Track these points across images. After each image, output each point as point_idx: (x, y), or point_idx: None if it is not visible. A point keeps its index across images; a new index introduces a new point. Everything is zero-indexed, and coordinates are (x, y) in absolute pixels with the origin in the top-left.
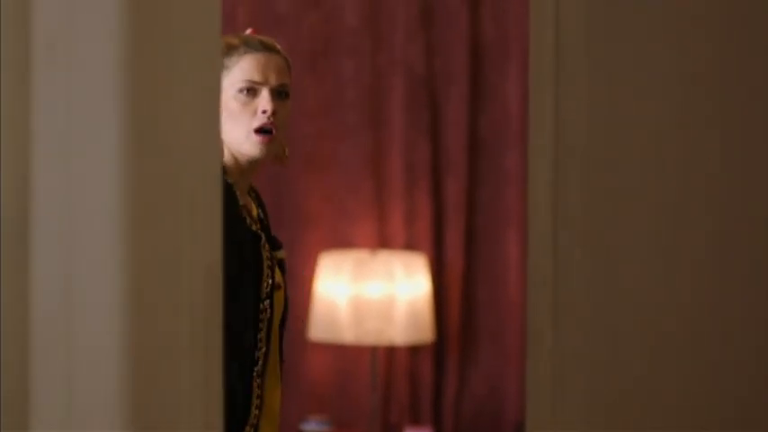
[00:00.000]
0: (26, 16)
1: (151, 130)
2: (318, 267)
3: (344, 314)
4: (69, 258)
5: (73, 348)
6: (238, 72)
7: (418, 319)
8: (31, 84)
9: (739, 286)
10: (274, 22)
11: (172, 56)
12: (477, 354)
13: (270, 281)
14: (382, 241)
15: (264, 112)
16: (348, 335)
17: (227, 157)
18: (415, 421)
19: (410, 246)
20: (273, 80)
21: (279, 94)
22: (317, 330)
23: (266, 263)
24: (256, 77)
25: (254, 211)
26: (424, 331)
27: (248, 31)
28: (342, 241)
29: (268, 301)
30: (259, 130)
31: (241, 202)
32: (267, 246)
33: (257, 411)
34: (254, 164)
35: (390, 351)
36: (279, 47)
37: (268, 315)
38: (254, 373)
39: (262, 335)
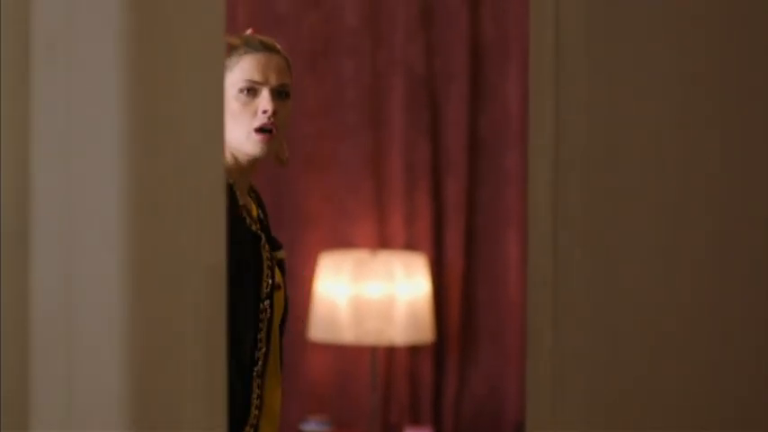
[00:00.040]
0: (26, 16)
1: (152, 130)
2: (318, 267)
3: (344, 314)
4: (69, 258)
5: (73, 348)
6: (239, 72)
7: (418, 319)
8: (31, 84)
9: (739, 286)
10: (274, 22)
11: (173, 55)
12: (477, 354)
13: (270, 281)
14: (382, 241)
15: (265, 111)
16: (348, 335)
17: (227, 157)
18: (415, 421)
19: (410, 246)
20: (274, 80)
21: (279, 93)
22: (317, 330)
23: (266, 263)
24: (257, 77)
25: (254, 212)
26: (423, 331)
27: (248, 31)
28: (342, 241)
29: (268, 301)
30: (259, 130)
31: (241, 203)
32: (267, 246)
33: (257, 411)
34: (254, 164)
35: (390, 351)
36: (279, 47)
37: (268, 315)
38: (254, 373)
39: (262, 335)
